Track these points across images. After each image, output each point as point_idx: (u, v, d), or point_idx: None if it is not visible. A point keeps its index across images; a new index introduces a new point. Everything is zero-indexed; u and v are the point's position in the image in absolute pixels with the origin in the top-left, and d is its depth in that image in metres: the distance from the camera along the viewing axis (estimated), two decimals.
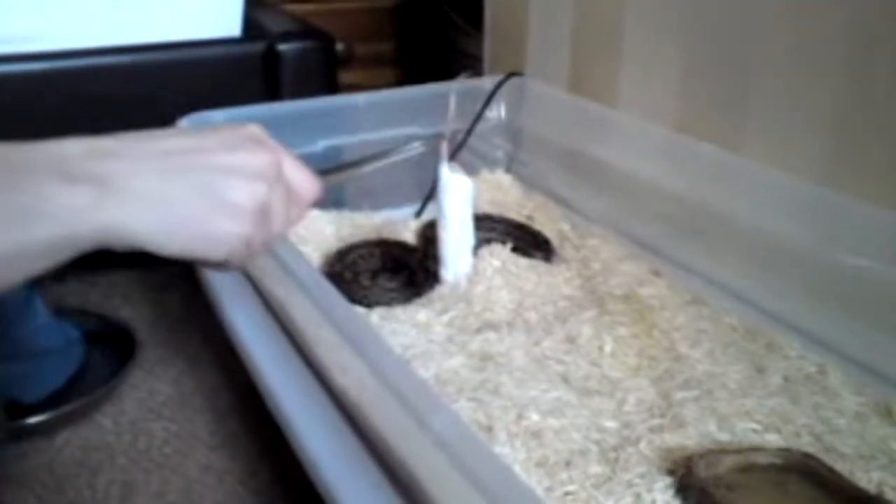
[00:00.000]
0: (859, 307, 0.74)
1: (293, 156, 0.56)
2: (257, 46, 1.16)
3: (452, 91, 0.72)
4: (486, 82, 1.14)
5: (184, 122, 0.91)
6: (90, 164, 0.44)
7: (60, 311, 0.98)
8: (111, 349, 1.02)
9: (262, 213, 0.50)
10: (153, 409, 0.94)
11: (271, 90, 1.17)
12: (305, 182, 0.56)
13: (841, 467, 0.61)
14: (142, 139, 0.48)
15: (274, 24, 1.23)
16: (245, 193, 0.48)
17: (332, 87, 1.21)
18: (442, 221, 0.82)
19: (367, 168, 0.78)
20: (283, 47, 1.15)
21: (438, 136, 0.83)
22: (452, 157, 1.08)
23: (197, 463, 0.86)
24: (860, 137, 0.75)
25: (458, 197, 0.80)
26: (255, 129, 0.53)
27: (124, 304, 1.15)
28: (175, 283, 1.19)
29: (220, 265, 0.50)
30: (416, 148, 0.87)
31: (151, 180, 0.45)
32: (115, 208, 0.43)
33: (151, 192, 0.45)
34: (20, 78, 1.04)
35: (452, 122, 0.75)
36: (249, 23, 1.20)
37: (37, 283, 0.97)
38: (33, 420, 0.90)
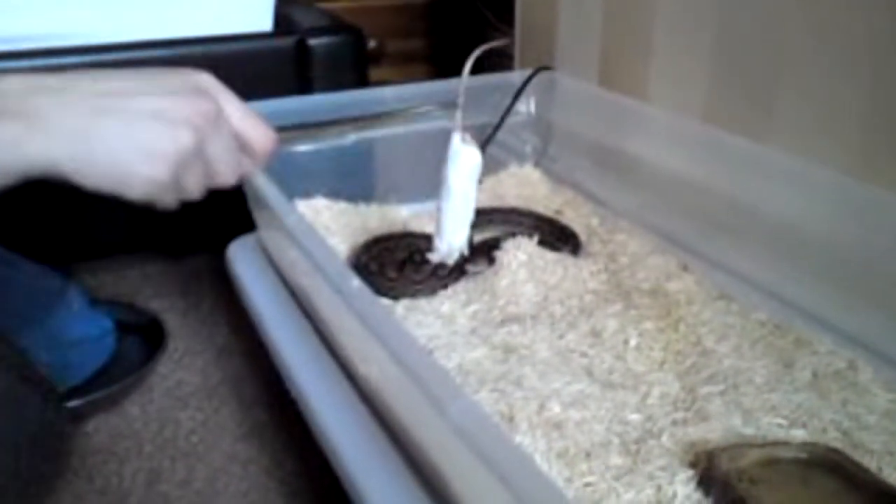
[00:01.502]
0: (892, 302, 0.73)
1: (245, 107, 0.57)
2: (288, 41, 1.17)
3: (471, 58, 0.70)
4: (516, 76, 1.13)
5: None
6: (24, 100, 0.47)
7: (93, 301, 1.00)
8: (141, 339, 1.04)
9: (189, 160, 0.52)
10: (181, 399, 0.95)
11: (302, 84, 1.17)
12: (257, 133, 0.58)
13: (868, 463, 0.60)
14: (84, 78, 0.51)
15: (305, 19, 1.23)
16: (166, 139, 0.51)
17: (363, 82, 1.22)
18: (444, 192, 0.80)
19: (330, 130, 0.76)
20: (313, 42, 1.16)
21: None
22: (481, 150, 1.08)
23: (223, 452, 0.87)
24: (891, 128, 0.73)
25: (465, 168, 0.77)
26: (202, 78, 0.56)
27: (155, 295, 1.16)
28: (205, 274, 1.21)
29: (150, 203, 0.53)
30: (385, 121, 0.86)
31: (79, 118, 0.48)
32: (40, 141, 0.47)
33: (76, 128, 0.48)
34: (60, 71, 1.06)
35: (465, 91, 0.73)
36: (281, 18, 1.20)
37: (70, 274, 0.98)
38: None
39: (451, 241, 0.81)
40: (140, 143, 0.50)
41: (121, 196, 0.51)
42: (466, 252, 0.80)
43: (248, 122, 0.58)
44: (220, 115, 0.55)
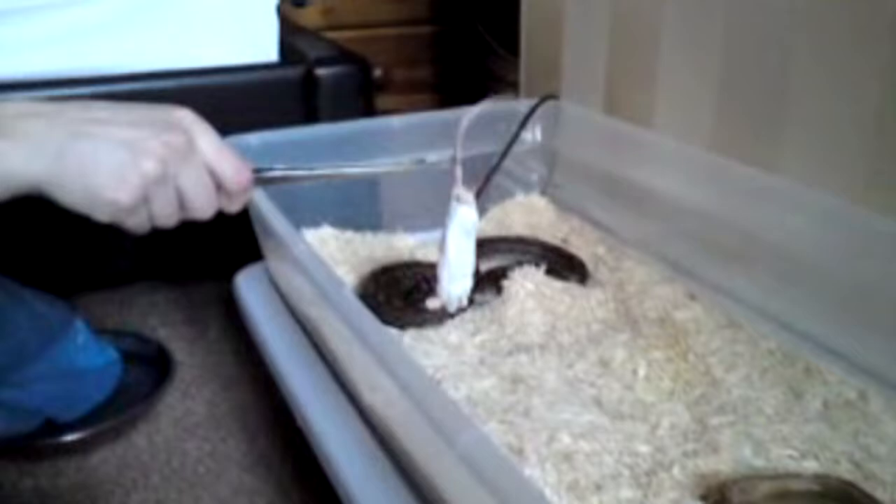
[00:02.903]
0: None
1: (220, 143, 0.59)
2: (295, 71, 1.17)
3: (466, 115, 0.70)
4: (522, 105, 1.14)
5: None
6: (17, 123, 0.53)
7: (99, 331, 0.99)
8: (148, 369, 1.03)
9: (155, 189, 0.56)
10: (188, 429, 0.95)
11: (309, 114, 1.18)
12: (230, 168, 0.60)
13: (881, 495, 0.60)
14: (75, 107, 0.57)
15: (311, 49, 1.24)
16: (130, 166, 0.55)
17: (370, 112, 1.22)
18: (442, 245, 0.80)
19: (310, 175, 0.77)
20: (320, 72, 1.16)
21: (413, 163, 0.82)
22: (487, 179, 1.09)
23: (229, 483, 0.86)
24: None
25: (459, 226, 0.77)
26: (180, 113, 0.59)
27: (161, 324, 1.16)
28: (212, 304, 1.20)
29: (117, 224, 0.57)
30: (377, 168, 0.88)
31: (58, 139, 0.53)
32: (22, 158, 0.52)
33: (54, 148, 0.53)
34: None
35: (461, 145, 0.72)
36: (287, 48, 1.21)
37: (77, 303, 0.98)
38: (70, 438, 0.91)
39: (450, 291, 0.81)
40: (107, 167, 0.54)
41: (90, 215, 0.55)
42: (465, 302, 0.81)
43: (222, 157, 0.60)
44: (192, 149, 0.58)
